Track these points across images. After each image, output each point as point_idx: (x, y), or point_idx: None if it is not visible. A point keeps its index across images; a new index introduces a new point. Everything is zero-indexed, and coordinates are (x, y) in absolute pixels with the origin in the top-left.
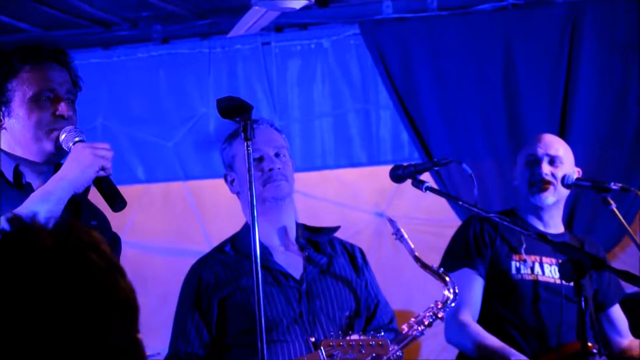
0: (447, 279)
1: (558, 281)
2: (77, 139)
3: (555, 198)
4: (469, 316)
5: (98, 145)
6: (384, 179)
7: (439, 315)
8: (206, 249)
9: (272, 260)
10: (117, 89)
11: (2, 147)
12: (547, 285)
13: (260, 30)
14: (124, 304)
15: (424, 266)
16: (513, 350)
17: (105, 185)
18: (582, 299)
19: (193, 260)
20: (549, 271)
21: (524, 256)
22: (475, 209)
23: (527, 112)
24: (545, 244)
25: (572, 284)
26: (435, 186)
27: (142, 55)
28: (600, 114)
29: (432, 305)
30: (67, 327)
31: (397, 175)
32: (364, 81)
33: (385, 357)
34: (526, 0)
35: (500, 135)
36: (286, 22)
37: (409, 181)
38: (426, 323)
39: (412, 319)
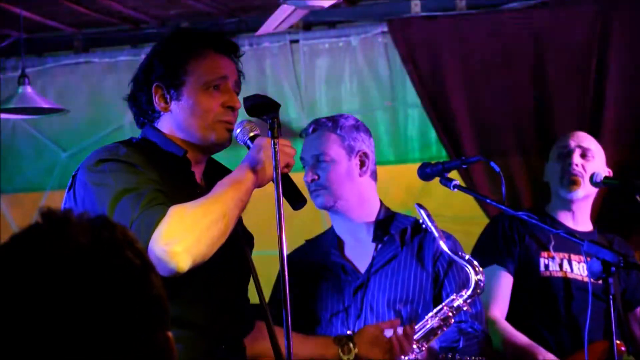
0: (477, 265)
1: (586, 279)
2: (252, 134)
3: (584, 192)
4: (498, 313)
5: (282, 141)
6: (411, 177)
7: (464, 308)
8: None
9: (336, 253)
10: None
11: (163, 130)
12: (576, 283)
13: (289, 28)
14: (156, 303)
15: (451, 253)
16: (541, 349)
17: (287, 182)
18: (610, 297)
19: (271, 257)
20: (578, 269)
21: (553, 253)
22: (503, 207)
23: (556, 110)
24: (574, 242)
25: (600, 282)
26: (463, 184)
27: None
28: (631, 112)
29: (454, 297)
30: (101, 324)
31: (425, 174)
32: (392, 79)
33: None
34: None
35: (529, 134)
36: (314, 20)
37: (436, 179)
38: (449, 314)
39: (436, 309)
